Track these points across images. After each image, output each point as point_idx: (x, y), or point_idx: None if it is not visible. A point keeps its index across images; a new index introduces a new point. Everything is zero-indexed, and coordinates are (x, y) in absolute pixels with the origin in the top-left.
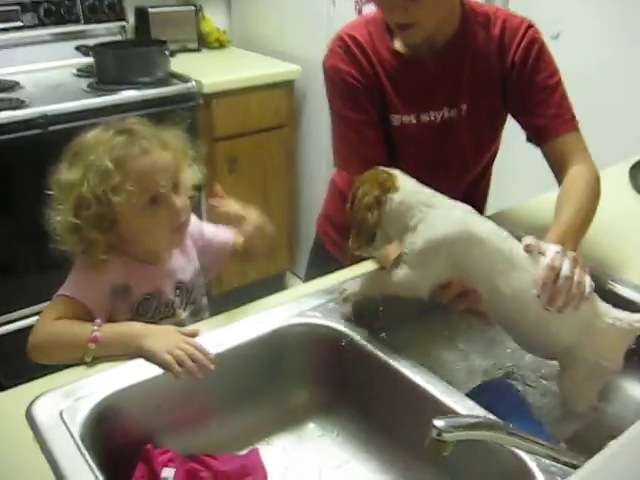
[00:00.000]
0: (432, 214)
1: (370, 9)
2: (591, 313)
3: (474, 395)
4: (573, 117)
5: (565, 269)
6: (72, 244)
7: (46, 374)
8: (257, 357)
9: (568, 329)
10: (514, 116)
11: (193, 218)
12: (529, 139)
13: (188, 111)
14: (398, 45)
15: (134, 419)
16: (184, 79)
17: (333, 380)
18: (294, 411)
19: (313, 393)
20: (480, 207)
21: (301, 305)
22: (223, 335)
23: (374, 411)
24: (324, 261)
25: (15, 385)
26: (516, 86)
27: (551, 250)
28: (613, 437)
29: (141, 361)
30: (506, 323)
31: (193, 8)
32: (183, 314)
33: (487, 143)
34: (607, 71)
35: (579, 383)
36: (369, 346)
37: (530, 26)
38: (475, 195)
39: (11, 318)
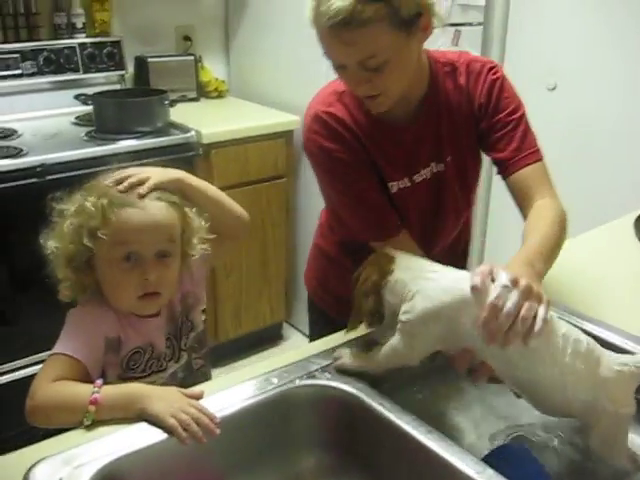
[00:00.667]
0: (429, 285)
1: None
2: (600, 366)
3: (490, 460)
4: (537, 150)
5: (509, 306)
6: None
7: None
8: (264, 420)
9: (584, 387)
10: (485, 152)
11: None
12: (498, 173)
13: (187, 161)
14: (377, 114)
15: None
16: (183, 129)
17: (342, 444)
18: (302, 476)
19: (321, 457)
20: (467, 242)
21: (310, 366)
22: (228, 397)
23: (385, 477)
24: (322, 320)
25: (13, 437)
26: (484, 125)
27: (498, 283)
28: None
29: (143, 425)
30: (521, 388)
31: (192, 58)
32: (174, 366)
33: (473, 182)
34: (606, 121)
35: (609, 437)
36: (380, 408)
37: (491, 67)
38: (462, 236)
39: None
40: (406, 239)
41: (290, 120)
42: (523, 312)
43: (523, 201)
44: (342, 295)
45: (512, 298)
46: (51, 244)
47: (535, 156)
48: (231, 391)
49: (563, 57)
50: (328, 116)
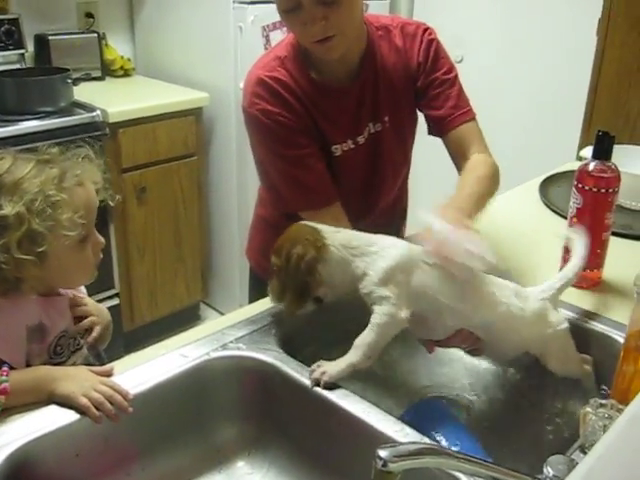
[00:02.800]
0: (374, 258)
1: (277, 36)
2: (528, 300)
3: (408, 417)
4: (471, 109)
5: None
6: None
7: None
8: (180, 395)
9: (528, 321)
10: (419, 110)
11: None
12: (430, 132)
13: (94, 141)
14: (317, 76)
15: (50, 470)
16: (88, 108)
17: (262, 413)
18: (222, 449)
19: (241, 429)
20: (405, 205)
21: (224, 337)
22: (142, 373)
23: (306, 444)
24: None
25: None
26: (421, 84)
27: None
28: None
29: (54, 407)
30: (484, 337)
31: (95, 35)
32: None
33: (410, 143)
34: (511, 91)
35: (562, 355)
36: (297, 376)
37: (425, 29)
38: (402, 193)
39: None
40: (339, 210)
41: (199, 97)
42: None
43: (459, 157)
44: None
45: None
46: None
47: (470, 114)
48: (144, 367)
49: (469, 30)
50: (272, 80)
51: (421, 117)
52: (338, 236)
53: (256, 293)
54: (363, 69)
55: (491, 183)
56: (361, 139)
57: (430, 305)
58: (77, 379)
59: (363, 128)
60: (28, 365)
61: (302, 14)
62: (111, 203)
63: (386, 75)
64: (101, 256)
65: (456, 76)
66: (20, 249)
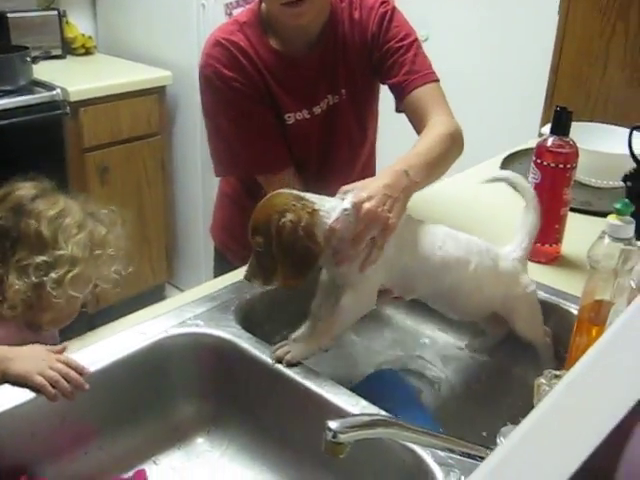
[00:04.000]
0: None
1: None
2: (500, 260)
3: (361, 388)
4: (430, 73)
5: (342, 232)
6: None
7: None
8: (137, 372)
9: (496, 281)
10: (383, 83)
11: None
12: (396, 109)
13: (54, 121)
14: (276, 44)
15: (6, 449)
16: (48, 87)
17: (219, 391)
18: (180, 427)
19: (199, 406)
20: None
21: (183, 314)
22: (99, 350)
23: (263, 419)
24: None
25: None
26: (377, 56)
27: (340, 205)
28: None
29: (8, 386)
30: (446, 300)
31: (56, 12)
32: None
33: (369, 117)
34: (473, 70)
35: (529, 317)
36: (255, 352)
37: (382, 2)
38: (366, 175)
39: None
40: (291, 175)
41: (162, 75)
42: (360, 241)
43: (419, 123)
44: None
45: (350, 225)
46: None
47: (428, 77)
48: (102, 344)
49: (434, 10)
50: (229, 43)
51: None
52: (324, 201)
53: (220, 271)
54: (323, 39)
55: (448, 142)
56: (317, 109)
57: (403, 271)
58: (31, 358)
59: (321, 99)
60: None
61: None
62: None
63: (345, 47)
64: None
65: (413, 41)
66: (72, 287)
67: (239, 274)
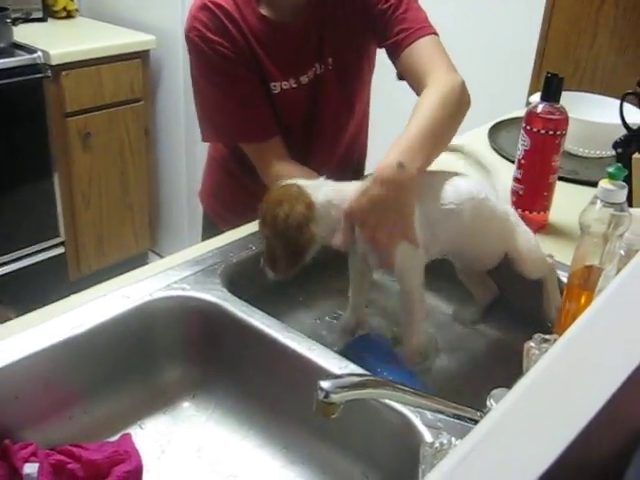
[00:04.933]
0: None
1: None
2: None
3: (347, 352)
4: (425, 26)
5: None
6: None
7: None
8: (122, 336)
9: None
10: (380, 47)
11: None
12: (397, 76)
13: (35, 84)
14: (264, 9)
15: None
16: (29, 49)
17: (206, 354)
18: (166, 390)
19: (184, 370)
20: (360, 161)
21: (168, 278)
22: (82, 314)
23: (250, 383)
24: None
25: None
26: (369, 22)
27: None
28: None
29: None
30: (465, 249)
31: None
32: None
33: (357, 94)
34: (461, 40)
35: (554, 288)
36: (242, 315)
37: None
38: (354, 150)
39: None
40: (280, 146)
41: (146, 40)
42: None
43: (417, 84)
44: (238, 208)
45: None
46: None
47: (421, 32)
48: (85, 308)
49: None
50: (215, 7)
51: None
52: (322, 191)
53: (209, 236)
54: (311, 5)
55: (451, 104)
56: (304, 79)
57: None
58: None
59: (309, 68)
60: None
61: None
62: None
63: (335, 14)
64: None
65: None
66: None
67: (225, 238)
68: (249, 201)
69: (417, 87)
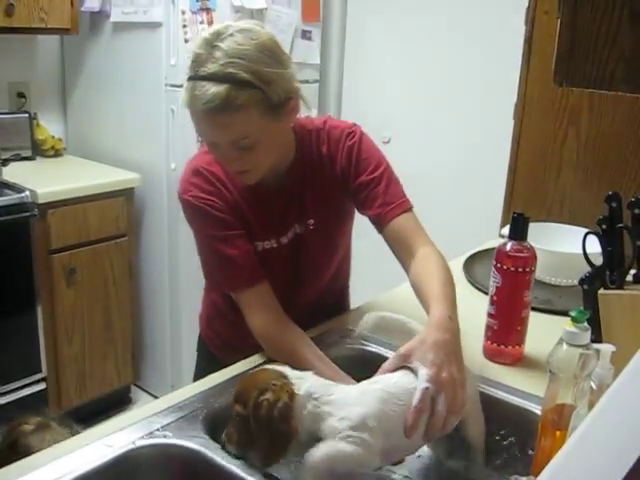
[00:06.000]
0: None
1: None
2: None
3: None
4: (403, 202)
5: (438, 410)
6: None
7: None
8: None
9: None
10: (360, 213)
11: None
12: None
13: (22, 223)
14: None
15: None
16: (17, 189)
17: None
18: None
19: None
20: (342, 301)
21: (150, 425)
22: (66, 464)
23: None
24: (208, 362)
25: None
26: (350, 188)
27: (421, 386)
28: None
29: None
30: None
31: (27, 115)
32: None
33: (338, 246)
34: (435, 170)
35: (478, 418)
36: (223, 462)
37: (349, 133)
38: (334, 291)
39: None
40: (267, 292)
41: (130, 178)
42: (443, 412)
43: (401, 252)
44: (231, 341)
45: (440, 402)
46: None
47: (402, 207)
48: (68, 458)
49: (395, 113)
50: (208, 172)
51: None
52: (305, 383)
53: (200, 357)
54: (291, 174)
55: (451, 281)
56: (284, 239)
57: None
58: None
59: (289, 228)
60: None
61: (219, 151)
62: None
63: (314, 179)
64: None
65: (383, 172)
66: None
67: (207, 382)
68: (240, 336)
69: (402, 255)
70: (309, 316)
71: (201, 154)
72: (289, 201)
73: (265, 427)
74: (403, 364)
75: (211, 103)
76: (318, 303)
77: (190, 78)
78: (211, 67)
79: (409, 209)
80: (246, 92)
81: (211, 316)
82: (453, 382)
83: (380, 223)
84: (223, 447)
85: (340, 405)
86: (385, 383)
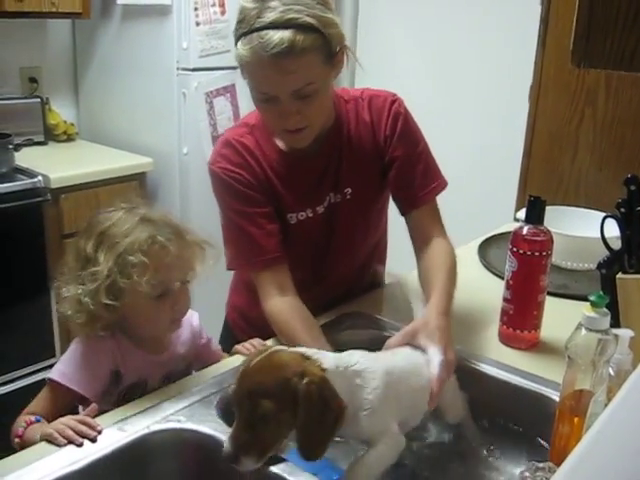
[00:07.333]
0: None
1: (221, 102)
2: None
3: None
4: (432, 188)
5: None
6: (76, 316)
7: None
8: (119, 470)
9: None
10: (387, 186)
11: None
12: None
13: (35, 207)
14: (282, 144)
15: None
16: (30, 174)
17: None
18: None
19: None
20: (373, 284)
21: (164, 410)
22: (80, 449)
23: None
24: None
25: None
26: (388, 159)
27: (436, 361)
28: None
29: None
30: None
31: (39, 100)
32: None
33: (374, 221)
34: (449, 154)
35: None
36: None
37: (393, 101)
38: (366, 271)
39: None
40: (285, 274)
41: (143, 162)
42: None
43: (418, 239)
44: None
45: (450, 375)
46: (75, 291)
47: (429, 196)
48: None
49: (408, 96)
50: (239, 144)
51: None
52: (325, 357)
53: (224, 342)
54: (329, 141)
55: (455, 273)
56: (320, 208)
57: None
58: (56, 422)
59: (324, 198)
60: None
61: (279, 106)
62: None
63: (352, 148)
64: (182, 313)
65: (422, 151)
66: (106, 296)
67: (221, 367)
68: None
69: (418, 242)
70: (339, 292)
71: (235, 127)
72: (325, 169)
73: (321, 413)
74: (408, 342)
75: (277, 48)
76: (350, 280)
77: (246, 33)
78: (270, 16)
79: (433, 199)
80: (310, 36)
81: (244, 301)
82: (453, 362)
83: (406, 207)
84: (232, 462)
85: (367, 378)
86: (403, 355)
